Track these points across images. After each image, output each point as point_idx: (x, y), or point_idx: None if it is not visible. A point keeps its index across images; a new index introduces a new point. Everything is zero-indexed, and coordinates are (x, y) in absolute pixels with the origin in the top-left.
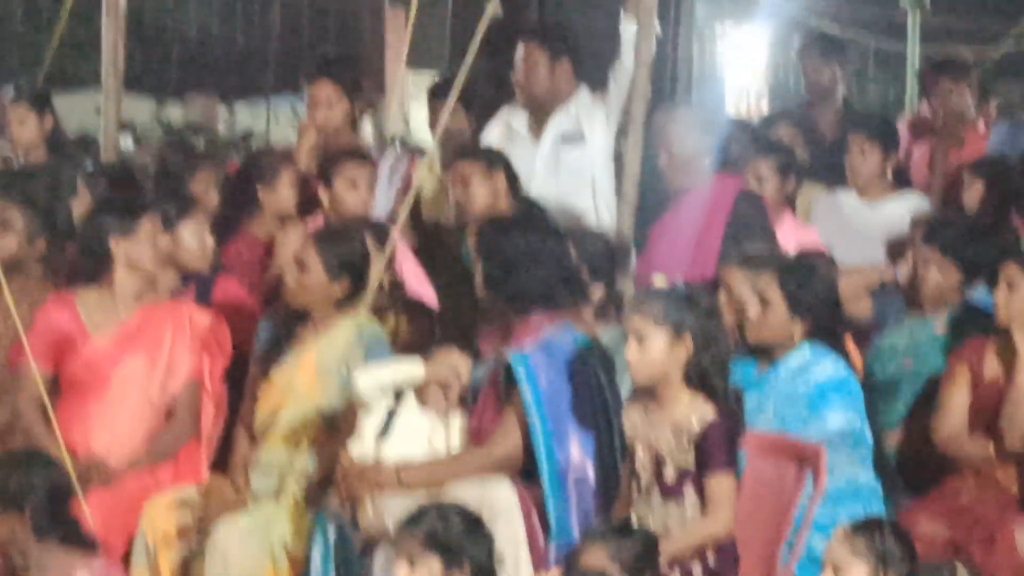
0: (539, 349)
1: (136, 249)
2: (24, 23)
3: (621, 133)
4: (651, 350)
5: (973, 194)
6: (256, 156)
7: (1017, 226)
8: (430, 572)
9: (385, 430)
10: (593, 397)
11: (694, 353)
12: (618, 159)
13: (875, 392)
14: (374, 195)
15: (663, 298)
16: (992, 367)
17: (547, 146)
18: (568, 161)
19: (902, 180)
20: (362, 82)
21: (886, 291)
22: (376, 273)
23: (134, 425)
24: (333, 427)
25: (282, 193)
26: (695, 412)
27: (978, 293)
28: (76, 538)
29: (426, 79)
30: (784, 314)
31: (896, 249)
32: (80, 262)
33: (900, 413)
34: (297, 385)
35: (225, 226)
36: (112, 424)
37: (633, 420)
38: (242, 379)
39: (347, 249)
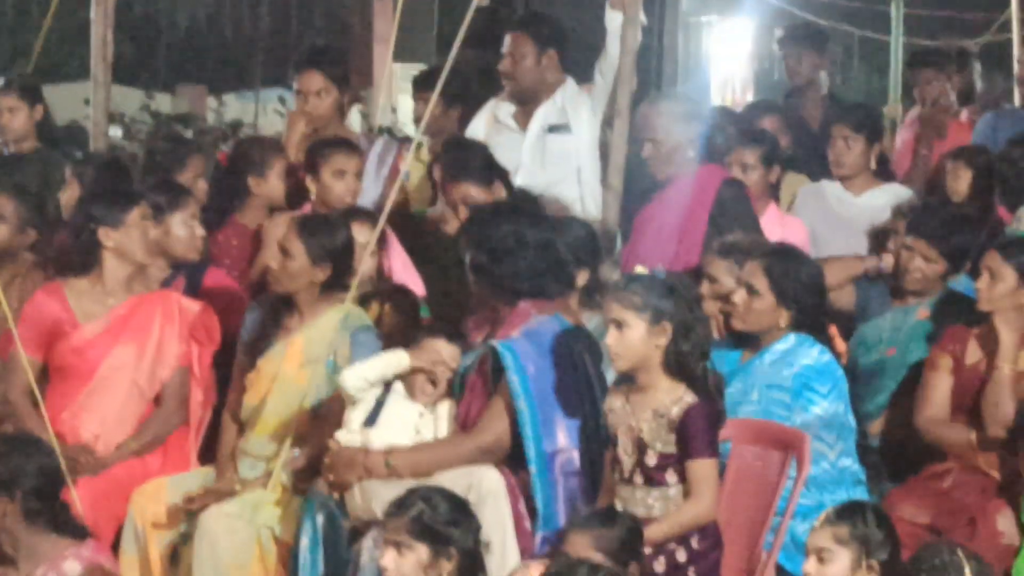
0: (526, 337)
1: (125, 239)
2: (14, 15)
3: (607, 123)
4: (630, 337)
5: (958, 183)
6: (246, 145)
7: (1000, 215)
8: (417, 559)
9: (372, 419)
10: (579, 384)
11: (673, 340)
12: (604, 149)
13: (859, 380)
14: (362, 184)
15: (642, 286)
16: (974, 354)
17: (533, 136)
18: (554, 151)
19: (886, 170)
20: (350, 73)
21: (869, 280)
22: (363, 261)
23: (123, 413)
24: (320, 415)
25: (273, 182)
26: (675, 398)
27: (960, 282)
28: (66, 524)
29: (414, 71)
30: (771, 302)
31: (879, 238)
32: (70, 251)
33: (883, 400)
34: (284, 373)
35: (214, 215)
36: (101, 412)
37: (614, 407)
38: (231, 367)
39: (330, 236)
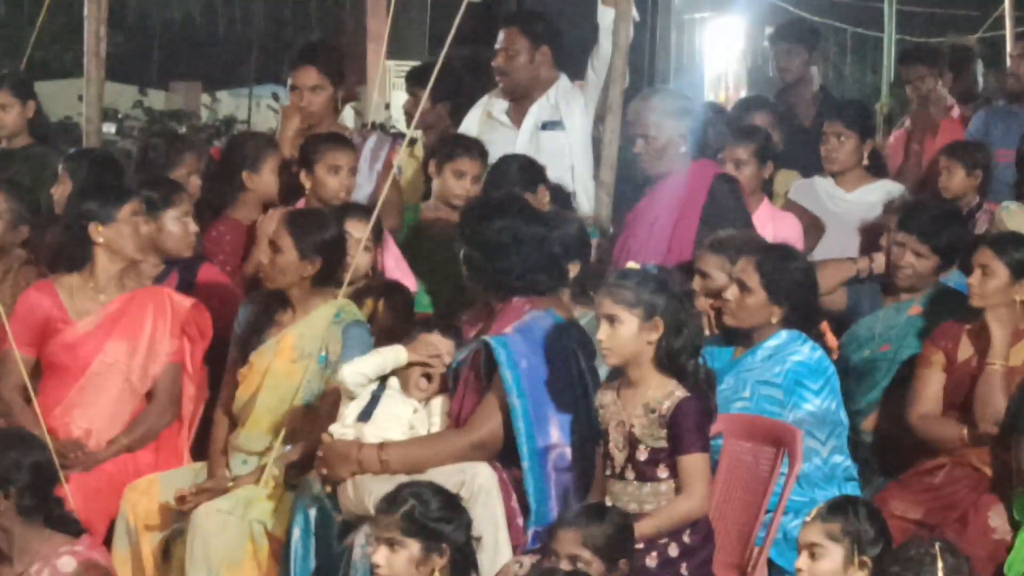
0: (519, 332)
1: (116, 236)
2: (7, 11)
3: (599, 119)
4: (622, 333)
5: (951, 179)
6: (239, 141)
7: (992, 211)
8: (409, 555)
9: (367, 414)
10: (572, 380)
11: (665, 336)
12: (596, 145)
13: (851, 376)
14: (356, 180)
15: (635, 281)
16: (966, 351)
17: (527, 133)
18: (547, 148)
19: (878, 166)
20: (345, 69)
21: (860, 281)
22: (356, 257)
23: (115, 409)
24: (312, 410)
25: (266, 178)
26: (666, 393)
27: (951, 277)
28: (61, 520)
29: (407, 68)
30: (762, 298)
31: (871, 235)
32: (62, 248)
33: (876, 397)
34: (275, 368)
35: (207, 211)
36: (93, 408)
37: (605, 402)
38: (224, 363)
39: (319, 231)
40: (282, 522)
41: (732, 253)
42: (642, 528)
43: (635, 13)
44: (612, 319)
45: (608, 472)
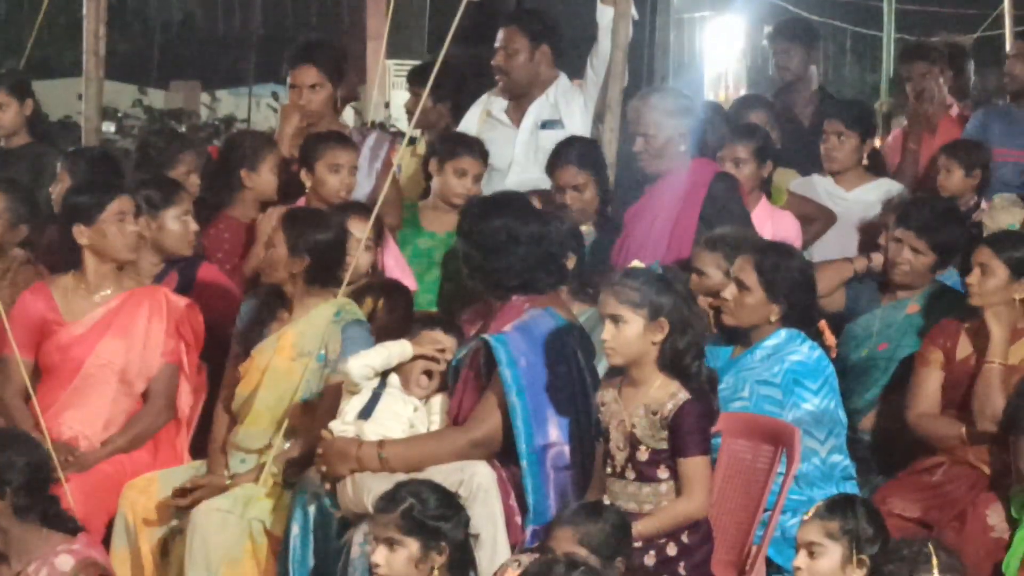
0: (518, 331)
1: (99, 237)
2: (6, 10)
3: (598, 118)
4: (627, 333)
5: (949, 178)
6: (238, 139)
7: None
8: (409, 554)
9: (368, 412)
10: (571, 378)
11: (670, 336)
12: None
13: (849, 375)
14: (356, 179)
15: (640, 281)
16: (964, 349)
17: (526, 132)
18: (547, 146)
19: (877, 164)
20: (345, 68)
21: (859, 280)
22: (359, 256)
23: (110, 410)
24: (311, 408)
25: (264, 176)
26: (668, 394)
27: (949, 276)
28: (57, 518)
29: (407, 67)
30: (761, 297)
31: (870, 234)
32: (61, 247)
33: (874, 395)
34: (275, 365)
35: (206, 209)
36: (86, 409)
37: (607, 400)
38: (223, 362)
39: (310, 229)
40: (281, 520)
41: (727, 250)
42: (641, 528)
43: (634, 12)
44: (617, 319)
45: (609, 471)
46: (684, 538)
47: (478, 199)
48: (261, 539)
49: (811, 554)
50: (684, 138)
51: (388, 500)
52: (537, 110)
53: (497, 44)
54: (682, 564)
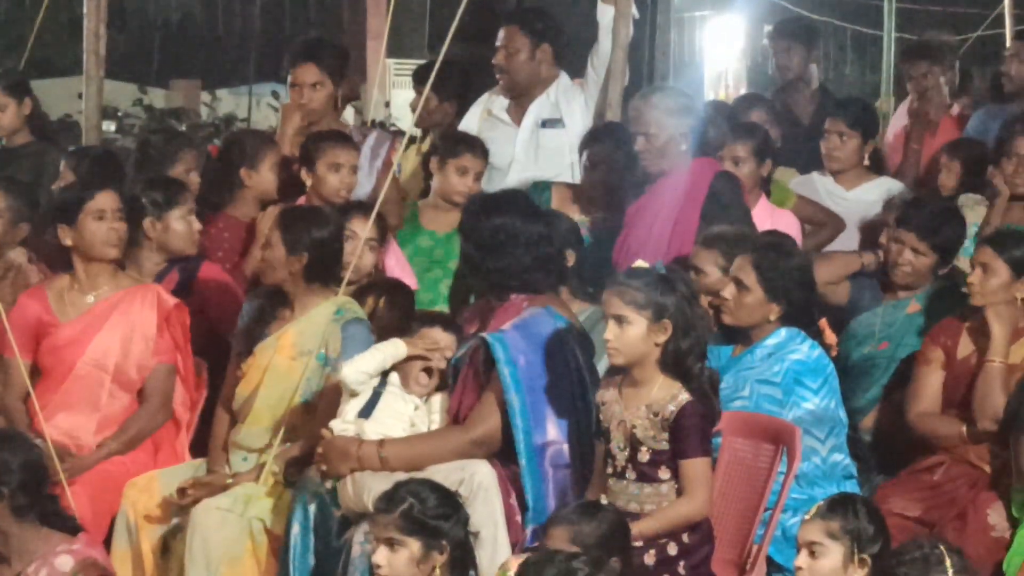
0: (517, 329)
1: (79, 237)
2: (7, 9)
3: (598, 117)
4: (631, 333)
5: (950, 177)
6: (238, 138)
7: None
8: (410, 554)
9: (368, 411)
10: (571, 377)
11: (672, 338)
12: None
13: (850, 374)
14: (356, 178)
15: (644, 282)
16: (966, 348)
17: (527, 131)
18: (547, 146)
19: (878, 163)
20: (346, 66)
21: (863, 276)
22: (361, 255)
23: (104, 411)
24: (311, 407)
25: (264, 175)
26: (670, 395)
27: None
28: (56, 518)
29: (407, 66)
30: (760, 296)
31: (870, 233)
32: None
33: (875, 395)
34: (275, 364)
35: (206, 208)
36: (78, 410)
37: (607, 399)
38: (224, 361)
39: (307, 228)
40: (281, 519)
41: (725, 248)
42: (641, 528)
43: (635, 11)
44: (620, 319)
45: (609, 471)
46: (684, 538)
47: (479, 198)
48: (261, 538)
49: (812, 553)
50: (685, 137)
51: (387, 500)
52: (538, 109)
53: (498, 43)
54: (682, 564)
